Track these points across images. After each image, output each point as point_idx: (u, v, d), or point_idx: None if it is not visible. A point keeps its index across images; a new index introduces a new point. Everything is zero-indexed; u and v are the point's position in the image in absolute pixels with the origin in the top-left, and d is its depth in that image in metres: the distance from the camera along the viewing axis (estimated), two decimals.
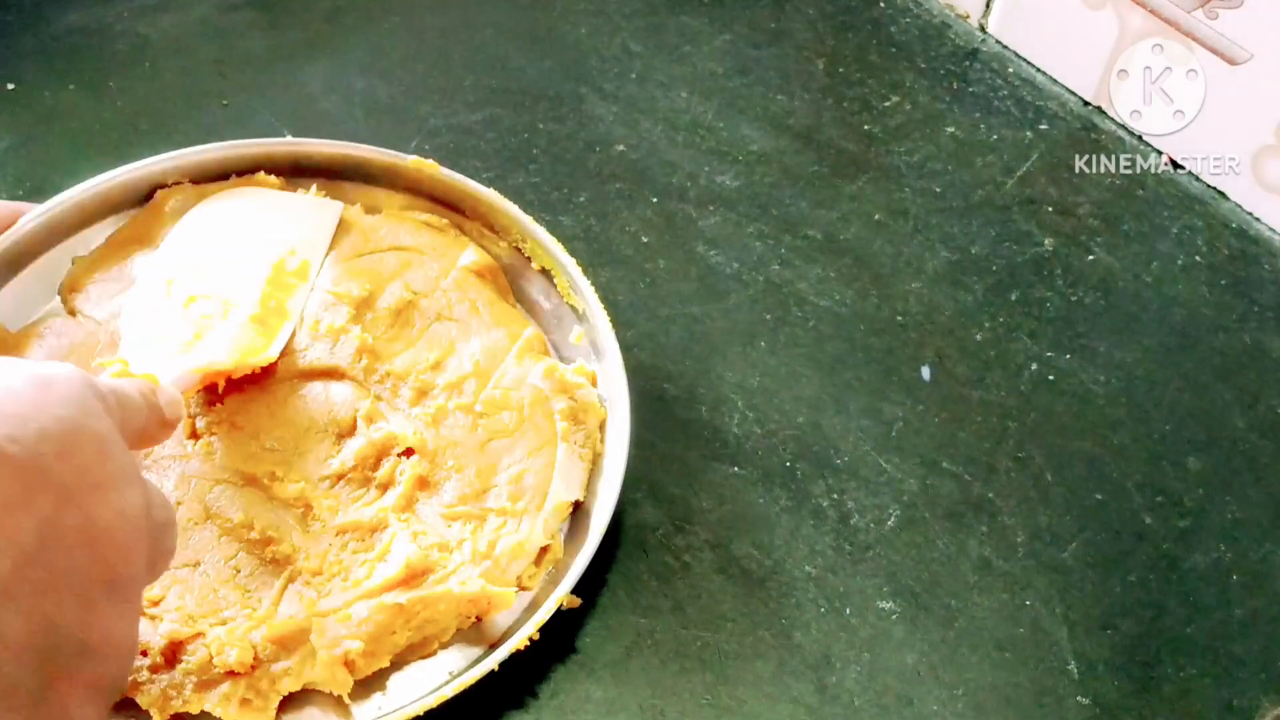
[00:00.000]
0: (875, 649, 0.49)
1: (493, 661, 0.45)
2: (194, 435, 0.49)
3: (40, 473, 0.31)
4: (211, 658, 0.44)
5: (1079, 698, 0.48)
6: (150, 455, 0.49)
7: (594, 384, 0.53)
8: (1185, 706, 0.48)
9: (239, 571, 0.47)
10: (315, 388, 0.51)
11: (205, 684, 0.44)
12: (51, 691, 0.31)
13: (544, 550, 0.49)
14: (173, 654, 0.44)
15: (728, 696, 0.47)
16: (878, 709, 0.47)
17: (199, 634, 0.45)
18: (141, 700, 0.44)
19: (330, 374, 0.51)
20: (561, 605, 0.47)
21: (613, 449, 0.50)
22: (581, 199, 0.62)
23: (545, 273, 0.56)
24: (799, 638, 0.49)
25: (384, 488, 0.49)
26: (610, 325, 0.53)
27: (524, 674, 0.47)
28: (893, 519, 0.52)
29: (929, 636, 0.49)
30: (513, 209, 0.56)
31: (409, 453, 0.50)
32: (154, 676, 0.44)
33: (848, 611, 0.50)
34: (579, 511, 0.50)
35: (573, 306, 0.55)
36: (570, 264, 0.54)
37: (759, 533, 0.51)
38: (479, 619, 0.48)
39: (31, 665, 0.30)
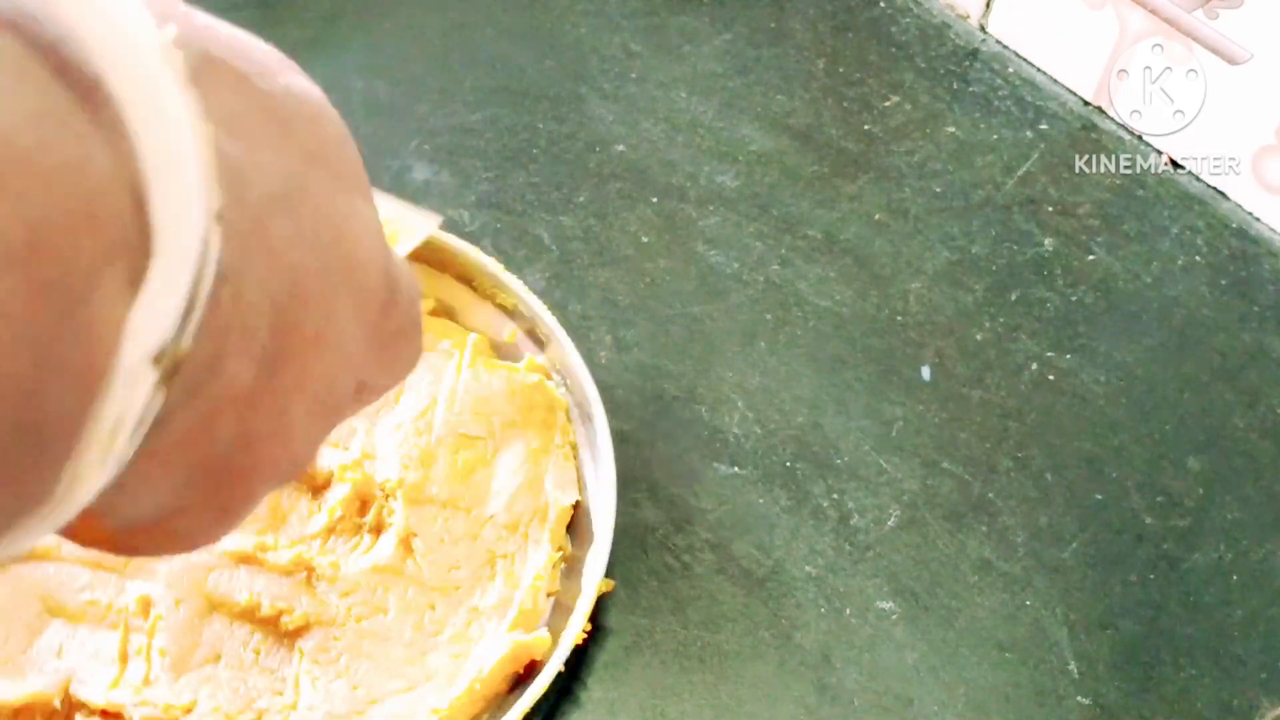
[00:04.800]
0: (875, 649, 0.49)
1: (544, 682, 0.44)
2: None
3: (285, 125, 0.23)
4: None
5: (1079, 698, 0.48)
6: (129, 563, 0.47)
7: (547, 375, 0.52)
8: (1185, 706, 0.48)
9: (259, 654, 0.45)
10: None
11: None
12: (277, 374, 0.23)
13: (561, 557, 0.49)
14: None
15: (728, 696, 0.47)
16: (878, 709, 0.47)
17: None
18: None
19: None
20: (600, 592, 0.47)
21: (601, 439, 0.50)
22: (581, 199, 0.62)
23: (462, 279, 0.54)
24: (799, 638, 0.49)
25: (377, 531, 0.48)
26: (547, 310, 0.52)
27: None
28: (893, 519, 0.52)
29: (929, 636, 0.49)
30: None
31: (391, 496, 0.49)
32: None
33: (848, 611, 0.50)
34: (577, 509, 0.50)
35: (500, 306, 0.54)
36: (487, 260, 0.53)
37: (759, 533, 0.51)
38: (527, 670, 0.46)
39: (262, 334, 0.22)
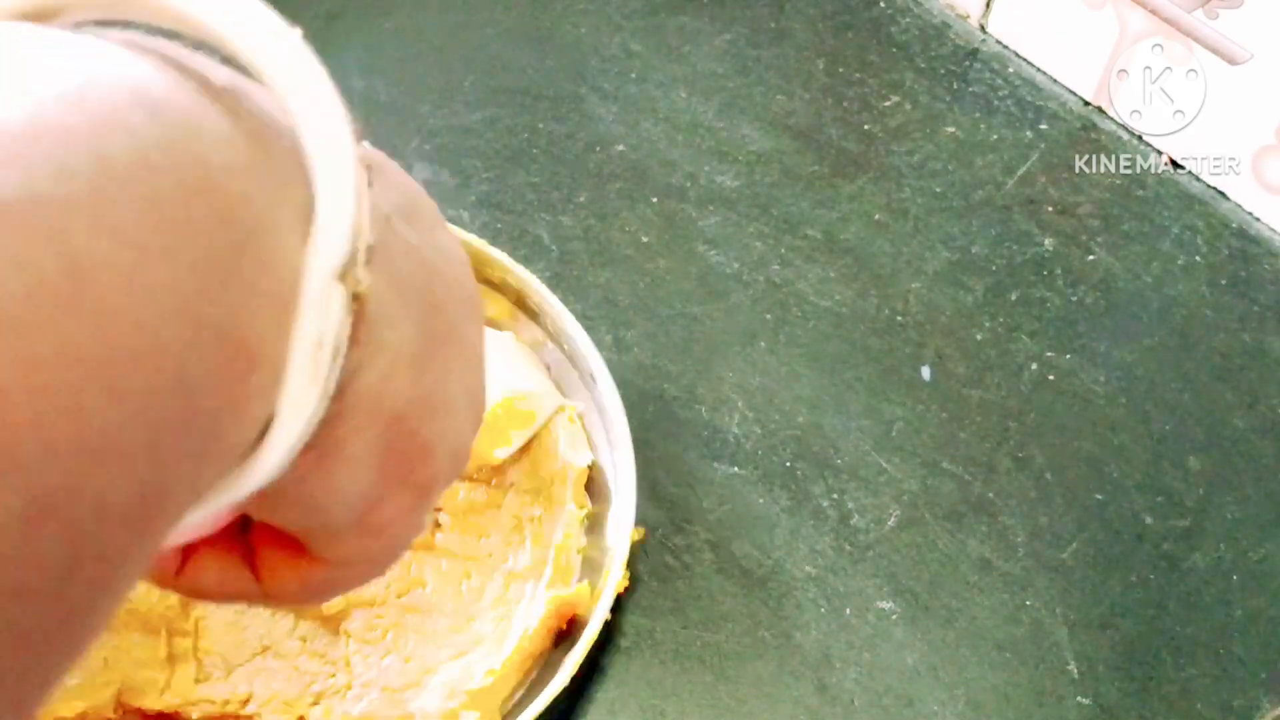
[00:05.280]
0: (875, 649, 0.49)
1: (564, 678, 0.45)
2: None
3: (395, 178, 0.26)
4: None
5: (1079, 698, 0.48)
6: None
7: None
8: (1185, 706, 0.48)
9: (306, 640, 0.46)
10: None
11: None
12: (435, 344, 0.25)
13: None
14: None
15: (728, 696, 0.47)
16: (878, 709, 0.47)
17: (302, 717, 0.44)
18: None
19: None
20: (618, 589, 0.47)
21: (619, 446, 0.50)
22: (581, 199, 0.62)
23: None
24: (799, 638, 0.49)
25: None
26: (535, 278, 0.52)
27: None
28: (893, 519, 0.52)
29: (929, 636, 0.49)
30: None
31: None
32: None
33: (848, 611, 0.50)
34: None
35: (487, 280, 0.53)
36: (470, 236, 0.53)
37: (759, 533, 0.51)
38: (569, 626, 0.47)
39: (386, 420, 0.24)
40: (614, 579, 0.46)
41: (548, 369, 0.53)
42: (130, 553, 0.18)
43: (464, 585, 0.48)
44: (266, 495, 0.22)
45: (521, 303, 0.53)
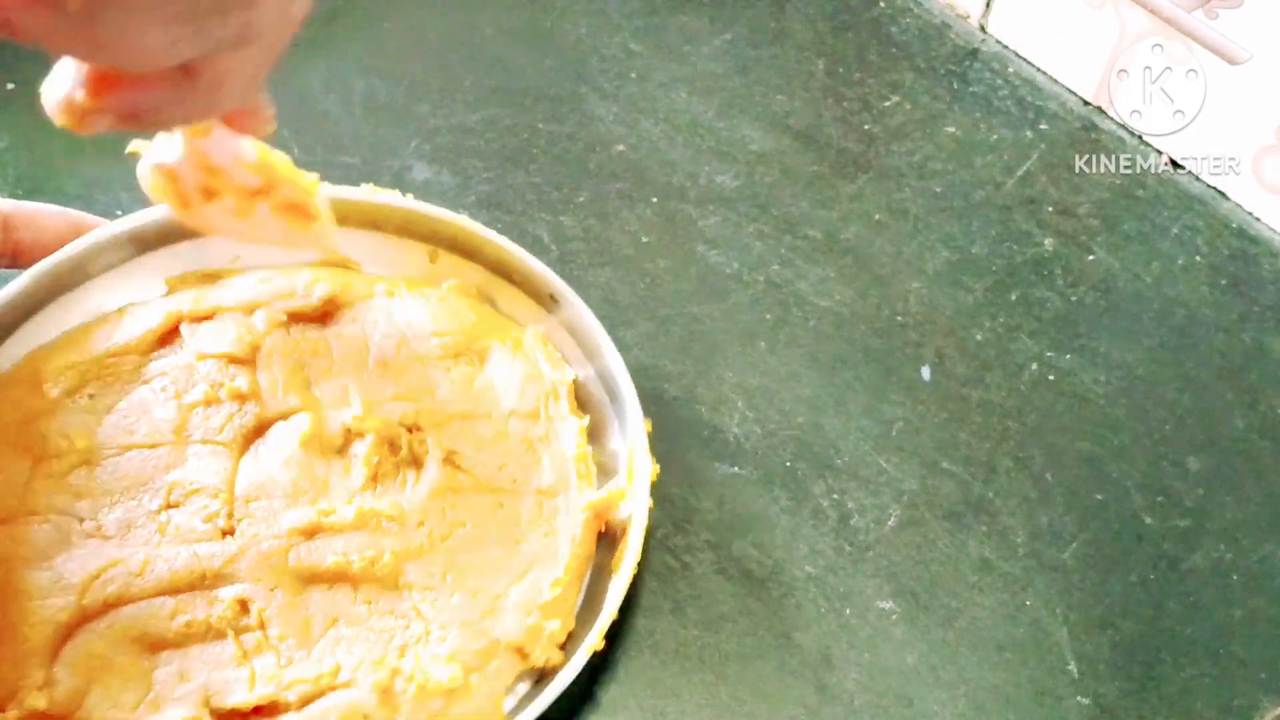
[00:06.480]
0: (875, 649, 0.49)
1: (640, 523, 0.48)
2: (229, 531, 0.48)
3: None
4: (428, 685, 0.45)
5: (1079, 698, 0.48)
6: (211, 575, 0.47)
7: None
8: (1185, 706, 0.48)
9: (371, 603, 0.46)
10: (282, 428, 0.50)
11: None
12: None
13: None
14: (390, 699, 0.45)
15: (728, 696, 0.47)
16: (878, 709, 0.47)
17: (395, 670, 0.45)
18: None
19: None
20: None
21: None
22: (581, 199, 0.62)
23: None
24: (799, 638, 0.49)
25: (415, 463, 0.50)
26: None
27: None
28: (893, 519, 0.52)
29: (929, 636, 0.49)
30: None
31: (415, 429, 0.50)
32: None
33: (848, 611, 0.50)
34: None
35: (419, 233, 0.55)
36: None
37: (759, 533, 0.51)
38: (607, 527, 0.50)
39: None
40: (643, 468, 0.49)
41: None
42: None
43: (500, 515, 0.49)
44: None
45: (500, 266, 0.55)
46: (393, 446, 0.50)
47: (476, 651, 0.46)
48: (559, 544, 0.49)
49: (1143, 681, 0.49)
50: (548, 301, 0.54)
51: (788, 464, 0.53)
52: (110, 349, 0.51)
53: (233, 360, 0.51)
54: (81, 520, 0.47)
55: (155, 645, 0.45)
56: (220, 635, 0.45)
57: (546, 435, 0.51)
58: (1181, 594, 0.51)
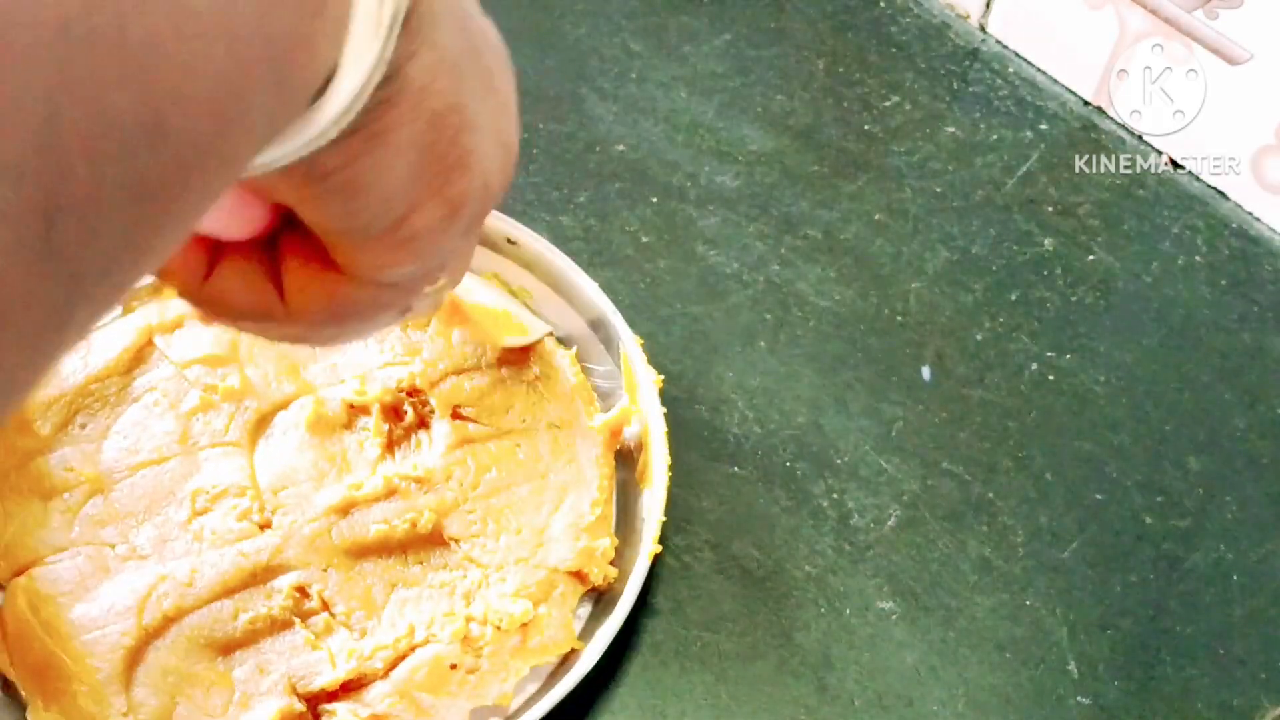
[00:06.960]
0: (875, 649, 0.49)
1: (660, 447, 0.50)
2: (266, 525, 0.48)
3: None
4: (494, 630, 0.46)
5: (1079, 698, 0.48)
6: (260, 571, 0.47)
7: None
8: (1185, 706, 0.48)
9: (424, 563, 0.48)
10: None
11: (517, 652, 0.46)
12: (464, 84, 0.27)
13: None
14: (471, 644, 0.46)
15: (728, 696, 0.47)
16: (878, 709, 0.47)
17: (469, 617, 0.46)
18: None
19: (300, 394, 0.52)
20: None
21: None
22: (581, 199, 0.62)
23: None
24: (799, 638, 0.49)
25: (424, 425, 0.51)
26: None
27: None
28: (893, 519, 0.52)
29: (929, 636, 0.49)
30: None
31: (414, 393, 0.51)
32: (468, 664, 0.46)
33: (848, 611, 0.50)
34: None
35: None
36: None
37: (759, 533, 0.51)
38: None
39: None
40: (646, 378, 0.51)
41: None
42: (217, 167, 0.20)
43: (520, 454, 0.51)
44: (313, 177, 0.24)
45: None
46: (397, 413, 0.50)
47: (539, 583, 0.47)
48: (584, 468, 0.51)
49: (1143, 682, 0.49)
50: (505, 246, 0.55)
51: (788, 464, 0.53)
52: (91, 375, 0.51)
53: (217, 361, 0.51)
54: (113, 546, 0.47)
55: (226, 647, 0.45)
56: (287, 625, 0.46)
57: (544, 376, 0.53)
58: (1181, 594, 0.51)
